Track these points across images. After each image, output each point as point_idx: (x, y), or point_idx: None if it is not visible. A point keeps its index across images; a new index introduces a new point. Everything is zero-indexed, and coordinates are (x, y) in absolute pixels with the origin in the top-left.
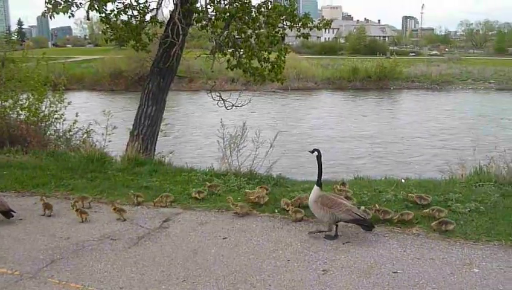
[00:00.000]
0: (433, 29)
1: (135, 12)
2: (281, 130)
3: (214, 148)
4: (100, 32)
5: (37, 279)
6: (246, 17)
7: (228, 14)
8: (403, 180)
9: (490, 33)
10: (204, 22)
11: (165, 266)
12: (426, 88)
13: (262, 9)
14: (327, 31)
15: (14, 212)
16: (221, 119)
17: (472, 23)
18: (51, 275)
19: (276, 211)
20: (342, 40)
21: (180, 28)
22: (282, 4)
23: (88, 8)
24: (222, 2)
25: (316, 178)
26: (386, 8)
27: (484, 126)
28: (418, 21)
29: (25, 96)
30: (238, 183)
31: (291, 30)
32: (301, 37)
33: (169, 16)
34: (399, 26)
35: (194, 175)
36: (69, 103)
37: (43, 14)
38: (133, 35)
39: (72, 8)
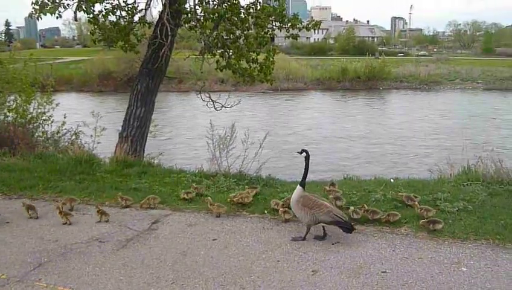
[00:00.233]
0: (421, 29)
1: (123, 13)
2: (271, 131)
3: (204, 149)
4: (89, 33)
5: (24, 282)
6: (235, 18)
7: (217, 14)
8: (391, 180)
9: (478, 34)
10: (193, 23)
11: (154, 268)
12: (415, 88)
13: (251, 10)
14: (316, 31)
15: None
16: (210, 120)
17: (460, 24)
18: (39, 278)
19: (266, 211)
20: (331, 41)
21: (169, 28)
22: (271, 5)
23: (76, 9)
24: (211, 2)
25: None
26: (375, 8)
27: (478, 126)
28: (406, 22)
29: (12, 97)
30: (227, 184)
31: (281, 31)
32: (290, 38)
33: (158, 17)
34: (388, 27)
35: (184, 176)
36: (57, 105)
37: (30, 15)
38: (121, 36)
39: (60, 9)
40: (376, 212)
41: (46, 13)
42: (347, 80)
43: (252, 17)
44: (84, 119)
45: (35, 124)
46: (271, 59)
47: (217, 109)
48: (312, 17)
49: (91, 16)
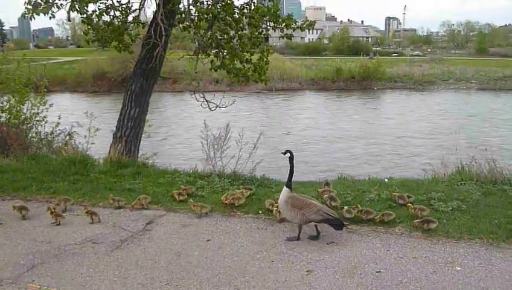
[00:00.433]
0: (415, 30)
1: (117, 13)
2: (266, 131)
3: (198, 150)
4: (82, 34)
5: (17, 284)
6: (229, 18)
7: (211, 15)
8: (386, 180)
9: (471, 34)
10: (187, 23)
11: (148, 269)
12: (409, 88)
13: (245, 10)
14: (311, 31)
15: None
16: (204, 120)
17: (454, 24)
18: (32, 280)
19: (260, 212)
20: (326, 41)
21: (163, 28)
22: (266, 5)
23: (69, 9)
24: (205, 2)
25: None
26: (369, 9)
27: (473, 125)
28: (400, 22)
29: (5, 98)
30: (221, 184)
31: (275, 31)
32: (285, 38)
33: (152, 17)
34: (382, 27)
35: (178, 177)
36: (50, 105)
37: (23, 15)
38: (115, 36)
39: (53, 9)
40: (370, 212)
41: (39, 13)
42: (342, 80)
43: (246, 17)
44: (78, 120)
45: (28, 125)
46: (265, 59)
47: (212, 109)
48: (306, 17)
49: (85, 16)
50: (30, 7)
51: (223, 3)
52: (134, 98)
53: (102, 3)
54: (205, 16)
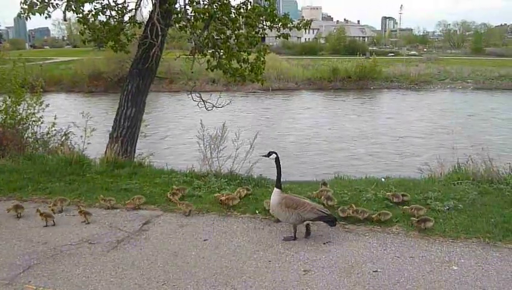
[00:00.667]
0: (411, 29)
1: (113, 13)
2: (263, 131)
3: (195, 150)
4: (78, 34)
5: (13, 285)
6: (226, 18)
7: (207, 14)
8: (383, 179)
9: (467, 33)
10: (183, 23)
11: (145, 270)
12: (406, 88)
13: (242, 10)
14: (307, 31)
15: None
16: (201, 120)
17: (450, 24)
18: (28, 280)
19: (257, 211)
20: (322, 41)
21: (159, 28)
22: (262, 5)
23: (65, 9)
24: (201, 2)
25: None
26: (365, 8)
27: (470, 125)
28: (397, 22)
29: (1, 98)
30: (218, 184)
31: (271, 30)
32: (281, 38)
33: (148, 17)
34: (378, 27)
35: (174, 177)
36: (47, 105)
37: (19, 15)
38: (111, 36)
39: (49, 9)
40: (365, 212)
41: (35, 13)
42: (338, 80)
43: (242, 17)
44: (74, 120)
45: (24, 125)
46: (262, 59)
47: (208, 108)
48: (303, 17)
49: (81, 15)
50: (26, 7)
51: (220, 3)
52: (131, 98)
53: (98, 3)
54: (201, 15)
